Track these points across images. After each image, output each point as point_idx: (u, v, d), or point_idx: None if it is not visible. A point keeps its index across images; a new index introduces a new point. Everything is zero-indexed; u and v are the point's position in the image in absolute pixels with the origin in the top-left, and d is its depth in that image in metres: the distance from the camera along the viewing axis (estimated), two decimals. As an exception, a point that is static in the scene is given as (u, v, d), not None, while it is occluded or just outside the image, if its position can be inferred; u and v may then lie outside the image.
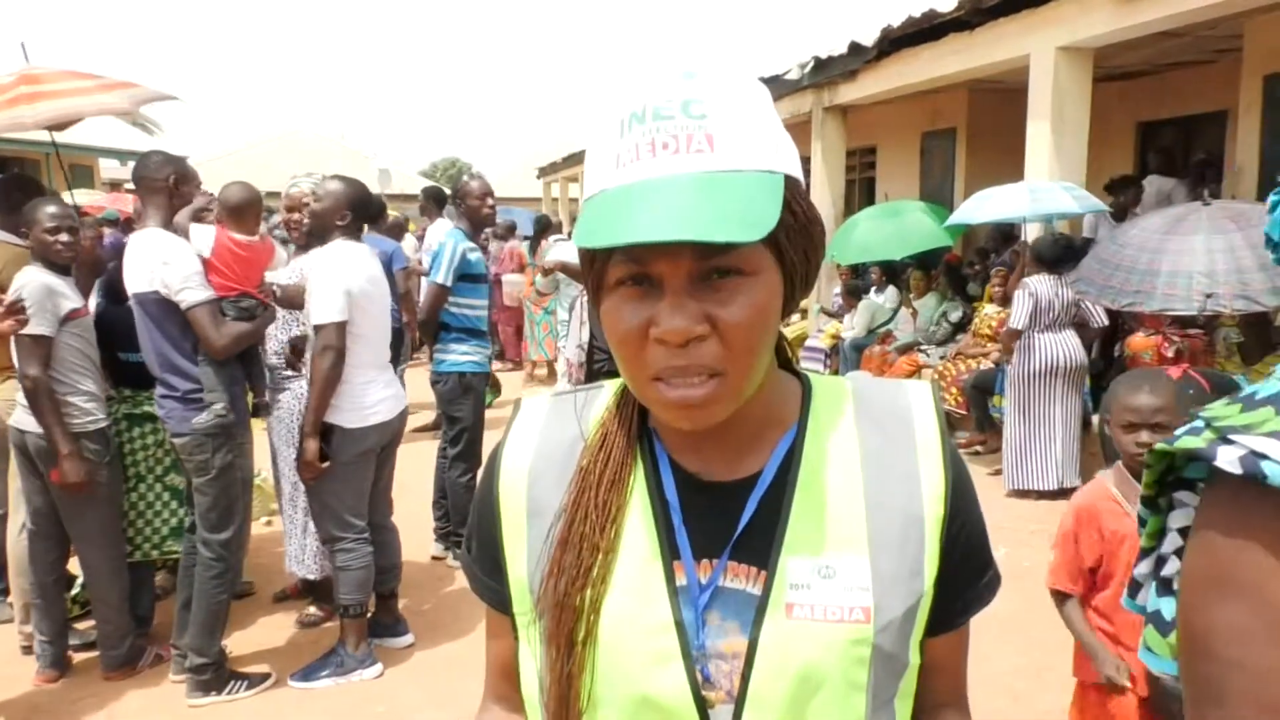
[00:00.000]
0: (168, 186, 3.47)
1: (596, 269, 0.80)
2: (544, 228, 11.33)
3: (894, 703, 0.86)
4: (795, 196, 0.79)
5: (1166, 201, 7.00)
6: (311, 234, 4.07)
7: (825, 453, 0.87)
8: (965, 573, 0.89)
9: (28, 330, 3.34)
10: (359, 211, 3.67)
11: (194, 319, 3.38)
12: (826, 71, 9.30)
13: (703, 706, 0.82)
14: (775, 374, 0.90)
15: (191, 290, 3.37)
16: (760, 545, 0.84)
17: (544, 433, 0.93)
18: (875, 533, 0.83)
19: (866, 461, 0.86)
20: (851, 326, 8.96)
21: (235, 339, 3.48)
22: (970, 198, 6.96)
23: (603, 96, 0.83)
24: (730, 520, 0.85)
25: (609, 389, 0.95)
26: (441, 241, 4.78)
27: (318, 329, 3.49)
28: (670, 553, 0.85)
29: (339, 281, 3.49)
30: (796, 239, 0.81)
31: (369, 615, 3.90)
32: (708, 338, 0.76)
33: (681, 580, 0.84)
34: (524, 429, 0.95)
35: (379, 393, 3.69)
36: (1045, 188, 6.44)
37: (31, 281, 3.39)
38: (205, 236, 3.53)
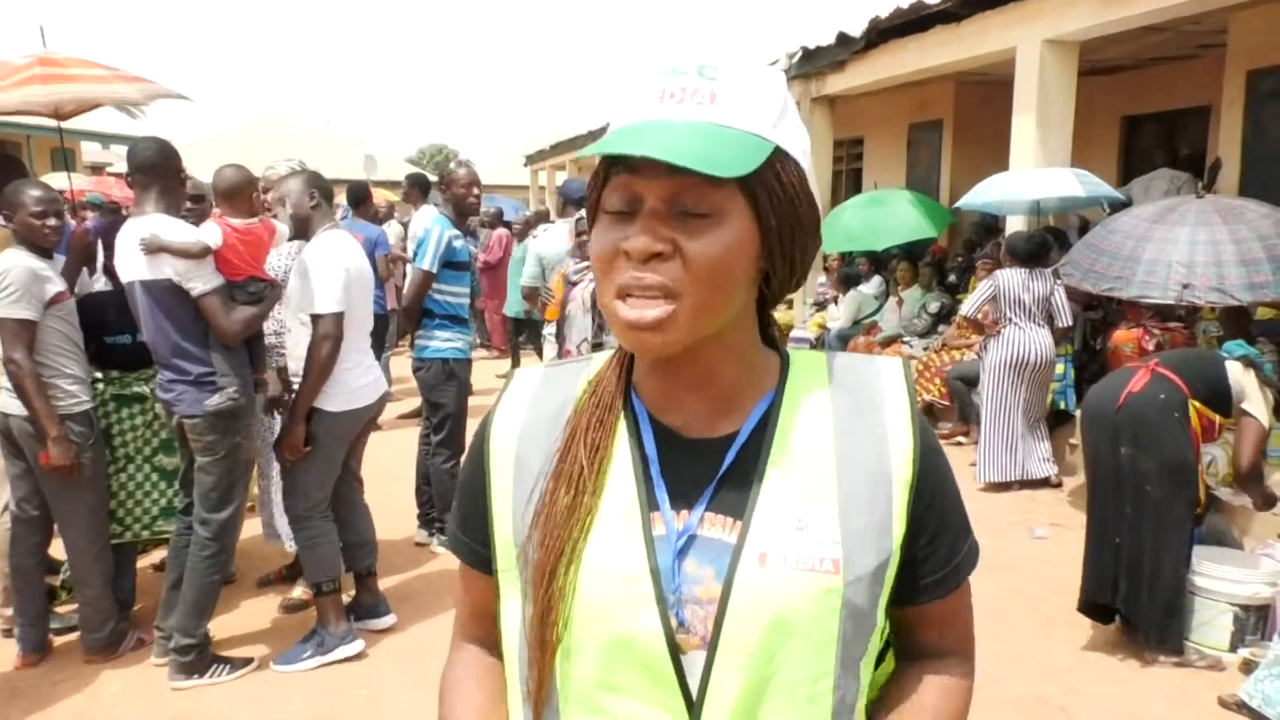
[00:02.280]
0: (164, 172, 3.46)
1: (594, 199, 0.89)
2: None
3: (859, 665, 0.89)
4: (785, 170, 0.86)
5: (1176, 194, 7.06)
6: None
7: (800, 415, 0.91)
8: (946, 532, 0.95)
9: (12, 314, 3.33)
10: (327, 195, 3.77)
11: (206, 307, 3.40)
12: (814, 62, 9.32)
13: (675, 651, 0.85)
14: (757, 345, 0.95)
15: (202, 279, 3.38)
16: (736, 498, 0.88)
17: (535, 397, 0.99)
18: (845, 490, 0.88)
19: (838, 424, 0.91)
20: (837, 317, 9.00)
21: (246, 323, 3.51)
22: (989, 181, 6.93)
23: (632, 69, 0.92)
24: (707, 474, 0.90)
25: (599, 358, 1.00)
26: (427, 228, 4.73)
27: (317, 318, 3.52)
28: (649, 504, 0.89)
29: (339, 270, 3.55)
30: (780, 209, 0.86)
31: (351, 599, 3.91)
32: (670, 259, 0.82)
33: (659, 530, 0.88)
34: (516, 394, 1.00)
35: (364, 377, 3.73)
36: (1086, 173, 6.58)
37: (16, 266, 3.37)
38: (211, 229, 3.52)
